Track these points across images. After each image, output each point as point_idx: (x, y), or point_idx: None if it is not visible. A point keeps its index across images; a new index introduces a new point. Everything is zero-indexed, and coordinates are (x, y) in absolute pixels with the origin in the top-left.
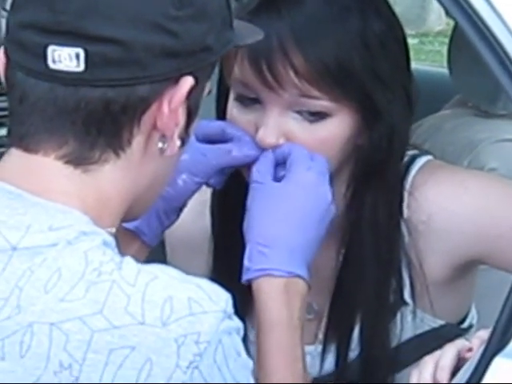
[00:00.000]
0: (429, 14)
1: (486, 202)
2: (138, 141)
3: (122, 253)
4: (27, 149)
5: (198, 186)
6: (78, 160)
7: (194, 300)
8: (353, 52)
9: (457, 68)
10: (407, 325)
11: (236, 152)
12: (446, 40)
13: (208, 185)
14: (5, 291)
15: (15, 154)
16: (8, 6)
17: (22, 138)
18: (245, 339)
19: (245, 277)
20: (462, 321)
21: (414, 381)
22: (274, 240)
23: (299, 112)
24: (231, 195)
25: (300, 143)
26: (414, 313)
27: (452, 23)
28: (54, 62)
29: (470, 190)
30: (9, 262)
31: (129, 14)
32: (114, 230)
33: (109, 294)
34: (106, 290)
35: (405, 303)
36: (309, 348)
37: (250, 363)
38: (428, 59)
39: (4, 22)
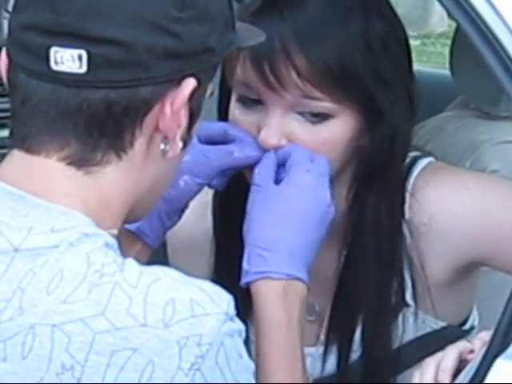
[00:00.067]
0: (431, 16)
1: (488, 204)
2: (139, 142)
3: (124, 254)
4: (29, 150)
5: (200, 187)
6: (80, 161)
7: (196, 302)
8: (355, 53)
9: (459, 70)
10: (409, 326)
11: (238, 153)
12: (448, 41)
13: (210, 186)
14: (7, 292)
15: (17, 156)
16: (10, 8)
17: (24, 140)
18: (246, 341)
19: (244, 280)
20: (464, 322)
21: (416, 382)
22: (273, 243)
23: (301, 113)
24: (233, 197)
25: (302, 144)
26: (415, 314)
27: (454, 25)
28: (56, 63)
29: (472, 192)
30: (11, 264)
31: (131, 15)
32: (115, 231)
33: (111, 296)
34: (108, 292)
35: (406, 305)
36: (310, 349)
37: (252, 365)
38: (430, 61)
39: (6, 23)
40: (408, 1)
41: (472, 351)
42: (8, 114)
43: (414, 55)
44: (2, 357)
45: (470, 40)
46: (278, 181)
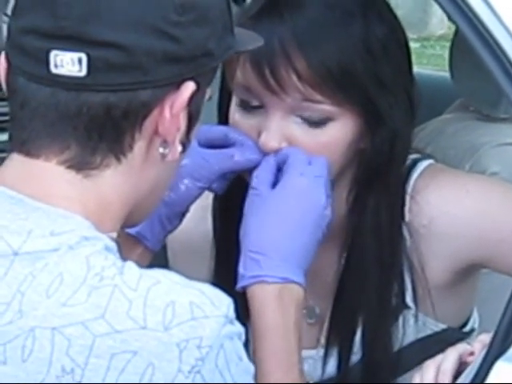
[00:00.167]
0: (431, 18)
1: (488, 206)
2: (139, 146)
3: (125, 258)
4: (29, 154)
5: (201, 191)
6: (79, 165)
7: (196, 305)
8: (355, 56)
9: (458, 72)
10: (409, 329)
11: (238, 157)
12: (448, 44)
13: (210, 190)
14: (7, 296)
15: (17, 159)
16: (9, 12)
17: (24, 143)
18: (246, 344)
19: (239, 284)
20: (464, 324)
21: None
22: (267, 247)
23: (302, 116)
24: (233, 200)
25: (302, 147)
26: (415, 316)
27: (454, 27)
28: (56, 66)
29: (472, 194)
30: (10, 267)
31: (131, 19)
32: (115, 234)
33: (111, 299)
34: (108, 295)
35: (407, 307)
36: (311, 352)
37: (252, 368)
38: (430, 63)
39: (5, 27)
40: (408, 3)
41: (472, 353)
42: (7, 118)
43: (413, 58)
44: (2, 360)
45: (469, 42)
46: (276, 185)
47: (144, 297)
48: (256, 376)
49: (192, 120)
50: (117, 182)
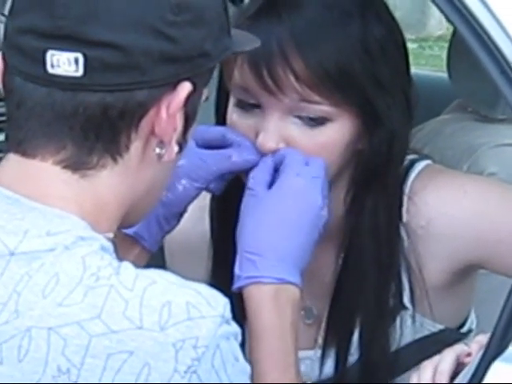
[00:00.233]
0: (429, 19)
1: (486, 207)
2: (135, 146)
3: (121, 258)
4: (25, 154)
5: (198, 191)
6: (75, 165)
7: (192, 305)
8: (353, 57)
9: (456, 73)
10: (407, 329)
11: (236, 157)
12: (446, 45)
13: (208, 190)
14: (3, 296)
15: (13, 159)
16: (6, 12)
17: (20, 143)
18: (243, 344)
19: (235, 285)
20: (462, 325)
21: None
22: (263, 248)
23: (299, 117)
24: (230, 201)
25: (300, 148)
26: (413, 317)
27: (452, 28)
28: (52, 66)
29: (470, 195)
30: (7, 267)
31: (128, 19)
32: (111, 234)
33: (107, 299)
34: (104, 295)
35: (404, 308)
36: (308, 353)
37: (248, 368)
38: (428, 64)
39: (2, 27)
40: (406, 4)
41: (469, 354)
42: (4, 118)
43: (411, 58)
44: None
45: (466, 43)
46: (273, 185)
47: (140, 297)
48: (252, 376)
49: (189, 120)
50: (113, 182)
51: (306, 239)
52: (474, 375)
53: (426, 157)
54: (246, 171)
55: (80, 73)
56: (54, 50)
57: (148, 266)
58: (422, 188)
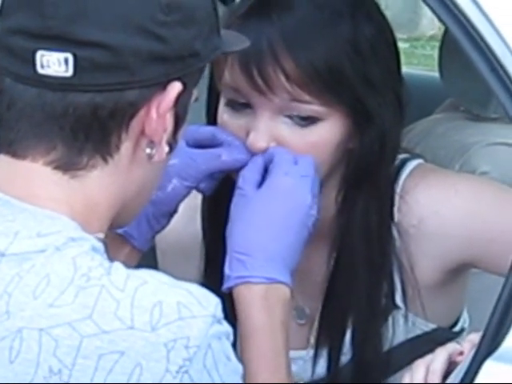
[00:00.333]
0: (421, 19)
1: (478, 206)
2: (126, 146)
3: (112, 258)
4: (15, 155)
5: (188, 190)
6: (66, 166)
7: (183, 304)
8: (343, 56)
9: (448, 72)
10: (399, 329)
11: (226, 156)
12: (438, 44)
13: (198, 190)
14: None
15: (3, 160)
16: None
17: (11, 144)
18: (235, 344)
19: (225, 285)
20: (454, 324)
21: None
22: (252, 247)
23: (290, 116)
24: (222, 200)
25: (291, 148)
26: (405, 317)
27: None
28: (42, 67)
29: (462, 194)
30: None
31: (117, 18)
32: (102, 235)
33: (98, 299)
34: (95, 295)
35: (396, 307)
36: (301, 353)
37: (240, 368)
38: (420, 63)
39: None
40: (398, 4)
41: (461, 353)
42: None
43: (403, 58)
44: None
45: (458, 43)
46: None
47: (131, 297)
48: (244, 376)
49: (179, 121)
50: (104, 182)
51: (296, 238)
52: (466, 374)
53: (418, 156)
54: (236, 171)
55: (70, 73)
56: (43, 50)
57: (139, 266)
58: (414, 187)
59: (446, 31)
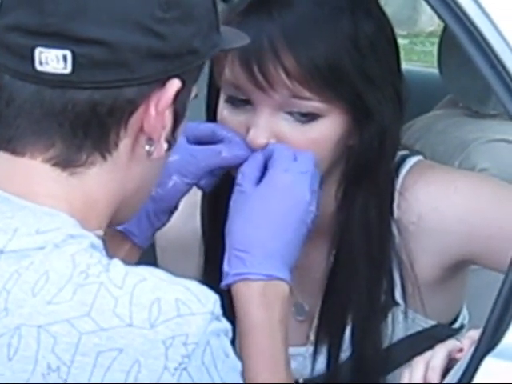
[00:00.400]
0: (420, 15)
1: (477, 203)
2: (124, 143)
3: (113, 255)
4: (14, 152)
5: (188, 187)
6: (64, 162)
7: (182, 301)
8: (344, 53)
9: (447, 68)
10: (398, 325)
11: (226, 153)
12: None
13: (198, 187)
14: None
15: (2, 157)
16: None
17: (9, 141)
18: (234, 341)
19: (224, 282)
20: (454, 321)
21: (405, 381)
22: (251, 244)
23: (290, 113)
24: (221, 197)
25: (291, 144)
26: (405, 313)
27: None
28: (41, 64)
29: (461, 190)
30: None
31: (116, 15)
32: (101, 232)
33: (96, 297)
34: (94, 293)
35: (396, 304)
36: (300, 349)
37: (239, 365)
38: (420, 60)
39: None
40: (397, 0)
41: (461, 350)
42: None
43: (403, 54)
44: None
45: (457, 39)
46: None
47: (130, 294)
48: (243, 373)
49: (178, 118)
50: (102, 179)
51: (295, 235)
52: (465, 371)
53: (418, 152)
54: (236, 167)
55: (68, 70)
56: (42, 47)
57: (139, 262)
58: (413, 183)
59: (446, 28)
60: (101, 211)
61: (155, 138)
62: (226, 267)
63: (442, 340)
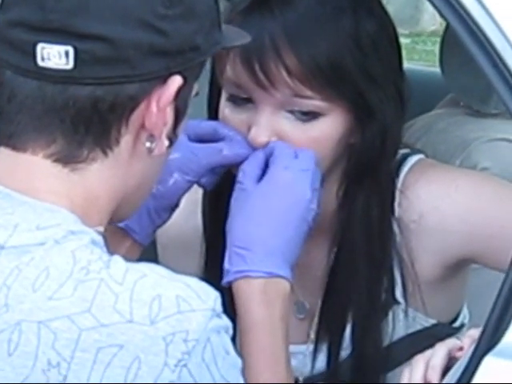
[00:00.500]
0: (422, 14)
1: (478, 202)
2: (126, 140)
3: (113, 251)
4: (15, 147)
5: (190, 184)
6: (66, 158)
7: (183, 298)
8: (345, 52)
9: (449, 67)
10: (399, 324)
11: (227, 151)
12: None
13: (199, 184)
14: None
15: (3, 153)
16: None
17: (11, 137)
18: (234, 338)
19: (225, 279)
20: (454, 320)
21: (405, 380)
22: (252, 242)
23: (291, 111)
24: (222, 195)
25: (292, 143)
26: (405, 312)
27: (445, 23)
28: (42, 59)
29: (462, 189)
30: None
31: (118, 12)
32: (102, 228)
33: (97, 293)
34: (94, 289)
35: (396, 302)
36: (301, 347)
37: (239, 362)
38: (421, 59)
39: None
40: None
41: (461, 348)
42: None
43: (405, 53)
44: None
45: (459, 38)
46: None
47: (130, 290)
48: (243, 370)
49: (179, 115)
50: (104, 175)
51: (295, 233)
52: (465, 370)
53: (419, 151)
54: (238, 165)
55: (70, 66)
56: (44, 42)
57: (140, 259)
58: (414, 182)
59: (447, 27)
60: (102, 207)
61: (156, 134)
62: (226, 264)
63: (442, 339)
